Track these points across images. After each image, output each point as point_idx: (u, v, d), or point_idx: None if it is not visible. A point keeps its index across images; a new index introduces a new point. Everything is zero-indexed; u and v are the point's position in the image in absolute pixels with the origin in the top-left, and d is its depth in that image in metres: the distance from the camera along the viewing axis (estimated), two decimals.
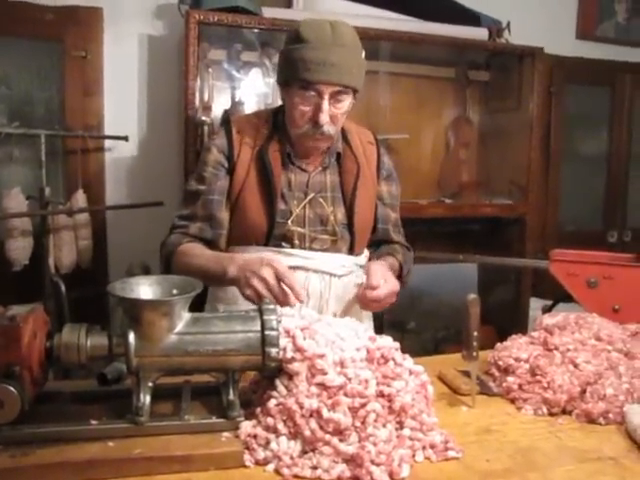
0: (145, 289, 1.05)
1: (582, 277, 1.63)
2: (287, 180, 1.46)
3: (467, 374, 1.24)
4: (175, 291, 1.04)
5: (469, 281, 3.02)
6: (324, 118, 1.35)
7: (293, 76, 1.35)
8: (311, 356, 0.96)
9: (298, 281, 1.24)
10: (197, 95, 2.35)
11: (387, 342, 1.02)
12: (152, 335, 0.97)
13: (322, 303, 1.45)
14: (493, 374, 1.28)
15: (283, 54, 1.40)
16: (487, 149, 2.90)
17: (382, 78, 2.67)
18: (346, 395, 0.92)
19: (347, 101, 1.39)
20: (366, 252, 1.59)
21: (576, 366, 1.19)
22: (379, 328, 2.88)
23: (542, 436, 1.06)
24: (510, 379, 1.22)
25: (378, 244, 1.63)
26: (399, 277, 1.51)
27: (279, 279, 1.19)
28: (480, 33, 2.66)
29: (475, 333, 1.16)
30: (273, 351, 0.98)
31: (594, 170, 3.40)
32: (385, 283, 1.34)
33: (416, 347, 2.62)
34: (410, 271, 1.64)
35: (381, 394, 0.95)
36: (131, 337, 0.96)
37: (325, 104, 1.34)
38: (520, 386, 1.20)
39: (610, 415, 1.11)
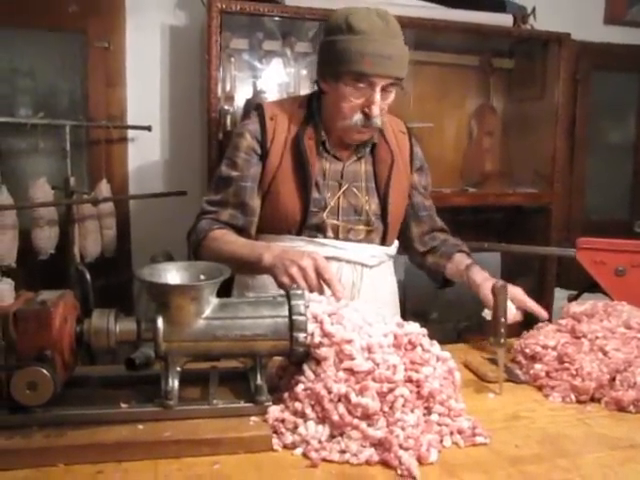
0: (172, 274, 1.05)
1: (610, 265, 1.61)
2: (322, 169, 1.44)
3: (493, 361, 1.23)
4: (202, 276, 1.05)
5: (492, 270, 2.97)
6: (376, 110, 1.34)
7: (346, 68, 1.32)
8: (339, 341, 0.96)
9: (336, 277, 1.22)
10: (219, 85, 2.35)
11: (414, 328, 1.02)
12: (180, 320, 0.98)
13: (354, 293, 1.44)
14: (520, 362, 1.27)
15: (330, 45, 1.35)
16: (511, 138, 2.87)
17: None
18: (374, 380, 0.92)
19: (394, 93, 1.38)
20: (396, 243, 1.58)
21: (605, 354, 1.17)
22: (402, 317, 2.89)
23: (571, 423, 1.05)
24: (537, 366, 1.21)
25: (429, 233, 1.61)
26: None
27: (318, 272, 1.17)
28: (505, 19, 2.62)
29: (503, 320, 1.15)
30: (301, 336, 0.98)
31: (621, 159, 3.35)
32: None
33: (438, 337, 2.58)
34: None
35: (409, 379, 0.94)
36: (159, 322, 0.97)
37: (377, 96, 1.33)
38: (547, 373, 1.19)
39: None
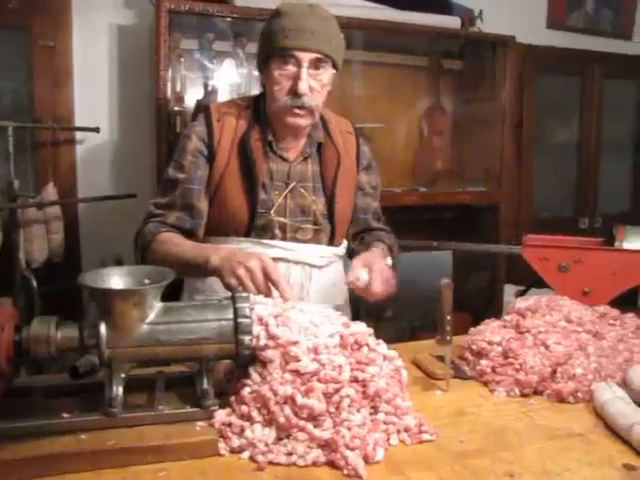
0: (116, 279, 1.04)
1: (554, 261, 1.66)
2: (268, 169, 1.44)
3: (441, 359, 1.25)
4: (147, 281, 1.03)
5: (444, 269, 3.04)
6: (303, 86, 1.34)
7: (272, 47, 1.35)
8: (284, 343, 0.96)
9: (284, 278, 1.21)
10: (169, 85, 2.32)
11: (361, 328, 1.02)
12: (124, 325, 0.96)
13: (303, 294, 1.44)
14: (467, 358, 1.30)
15: (261, 34, 1.41)
16: (461, 137, 2.92)
17: (356, 67, 2.66)
18: (320, 381, 0.93)
19: (326, 73, 1.38)
20: (345, 243, 1.59)
21: (547, 347, 1.21)
22: (355, 317, 2.90)
23: (514, 416, 1.07)
24: (483, 362, 1.24)
25: (361, 234, 1.62)
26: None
27: (265, 273, 1.16)
28: (453, 22, 2.67)
29: (448, 317, 1.17)
30: (246, 339, 0.97)
31: (566, 158, 3.45)
32: (370, 272, 1.29)
33: (392, 335, 2.63)
34: (398, 253, 1.63)
35: (355, 379, 0.95)
36: (102, 328, 0.95)
37: (304, 72, 1.34)
38: (493, 369, 1.22)
39: (579, 394, 1.14)
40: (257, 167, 1.40)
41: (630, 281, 1.62)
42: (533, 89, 3.20)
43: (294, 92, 1.35)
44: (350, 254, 1.60)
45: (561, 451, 0.94)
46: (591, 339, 1.25)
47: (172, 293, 1.76)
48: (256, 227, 1.41)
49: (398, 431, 0.96)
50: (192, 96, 2.49)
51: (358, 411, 0.93)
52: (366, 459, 0.88)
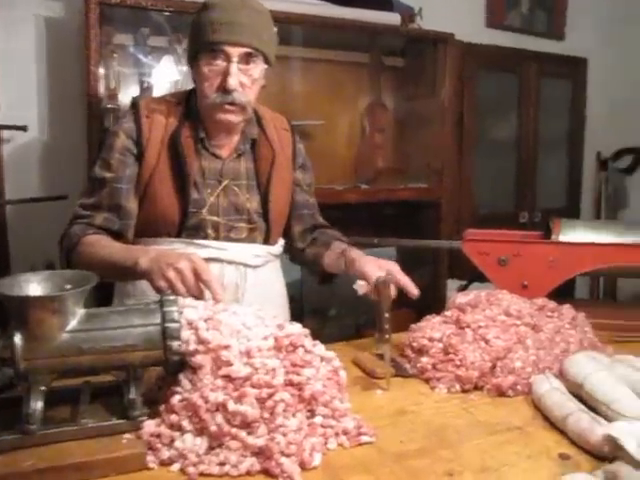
0: (34, 286, 0.96)
1: (493, 255, 1.66)
2: (200, 167, 1.39)
3: (382, 357, 1.23)
4: (69, 286, 0.97)
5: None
6: (232, 81, 1.29)
7: (200, 41, 1.30)
8: (215, 347, 0.91)
9: (216, 278, 1.16)
10: (102, 82, 2.22)
11: (296, 329, 0.99)
12: (42, 335, 0.90)
13: (238, 295, 1.39)
14: (408, 355, 1.28)
15: (190, 27, 1.35)
16: (403, 134, 2.93)
17: (294, 64, 2.62)
18: (253, 386, 0.89)
19: (258, 69, 1.34)
20: (281, 242, 1.55)
21: (487, 342, 1.20)
22: (299, 316, 2.87)
23: (455, 413, 1.06)
24: (424, 359, 1.22)
25: (312, 233, 1.58)
26: None
27: (196, 274, 1.11)
28: (393, 18, 2.66)
29: (387, 315, 1.15)
30: (175, 344, 0.92)
31: (506, 154, 3.51)
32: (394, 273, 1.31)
33: (338, 333, 2.60)
34: None
35: (290, 383, 0.91)
36: (17, 338, 0.88)
37: (233, 67, 1.29)
38: (434, 365, 1.21)
39: (518, 387, 1.14)
40: (188, 165, 1.35)
41: (566, 273, 1.64)
42: (473, 87, 3.24)
43: (224, 88, 1.30)
44: (296, 255, 1.57)
45: (500, 446, 0.93)
46: (530, 332, 1.25)
47: (103, 298, 1.69)
48: (188, 227, 1.36)
49: (336, 434, 0.93)
50: (127, 93, 2.40)
51: (294, 416, 0.89)
52: (302, 465, 0.85)
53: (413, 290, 1.31)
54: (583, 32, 3.61)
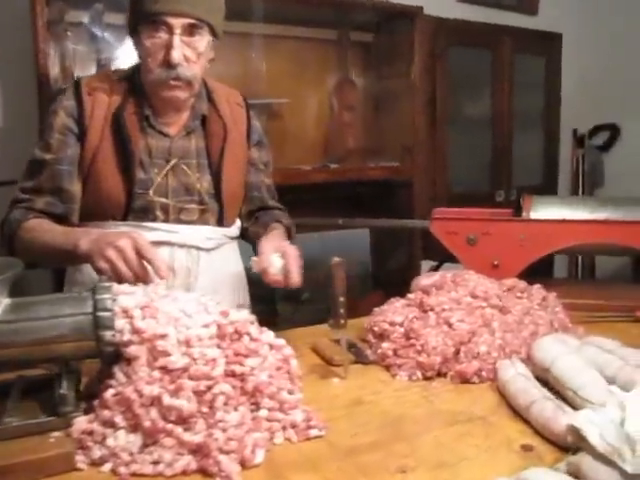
0: None
1: (461, 235, 1.60)
2: (146, 146, 1.30)
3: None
4: None
5: (361, 247, 2.99)
6: (176, 55, 1.20)
7: (141, 12, 1.21)
8: (151, 337, 0.84)
9: (160, 256, 1.09)
10: (57, 61, 2.11)
11: (241, 316, 0.92)
12: None
13: (190, 280, 1.32)
14: (369, 341, 1.22)
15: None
16: (373, 113, 2.85)
17: (259, 41, 2.52)
18: (190, 378, 0.82)
19: (203, 41, 1.25)
20: (238, 223, 1.47)
21: (450, 326, 1.14)
22: (271, 301, 2.81)
23: (415, 402, 1.00)
24: (385, 345, 1.16)
25: (256, 213, 1.51)
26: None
27: (138, 252, 1.04)
28: None
29: (341, 299, 1.08)
30: (107, 334, 0.85)
31: (480, 132, 3.45)
32: (287, 258, 1.17)
33: (311, 317, 2.55)
34: (294, 232, 1.53)
35: (232, 374, 0.84)
36: None
37: (176, 39, 1.21)
38: (395, 351, 1.14)
39: (483, 373, 1.08)
40: (132, 143, 1.26)
41: (538, 251, 1.59)
42: (446, 63, 3.17)
43: (167, 63, 1.22)
44: (244, 234, 1.49)
45: (460, 438, 0.87)
46: (496, 314, 1.19)
47: (56, 286, 1.59)
48: (135, 209, 1.27)
49: (284, 428, 0.86)
50: (85, 73, 2.28)
51: (235, 409, 0.82)
52: (243, 463, 0.78)
53: (294, 279, 1.16)
54: (557, 7, 3.55)
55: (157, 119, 1.31)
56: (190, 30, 1.22)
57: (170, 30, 1.21)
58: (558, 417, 0.83)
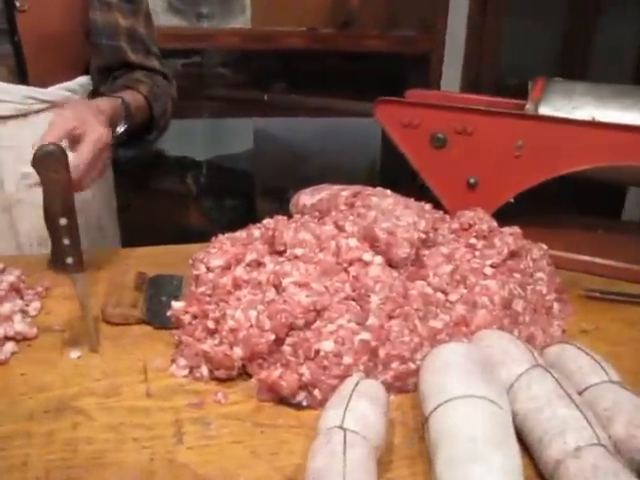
0: None
1: (423, 130, 1.01)
2: None
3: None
4: None
5: (372, 139, 2.43)
6: None
7: None
8: None
9: None
10: None
11: None
12: None
13: None
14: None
15: None
16: None
17: None
18: None
19: None
20: (80, 80, 0.97)
21: (281, 292, 0.62)
22: (250, 197, 2.33)
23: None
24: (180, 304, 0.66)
25: (115, 73, 1.04)
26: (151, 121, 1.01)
27: None
28: None
29: (63, 222, 0.57)
30: None
31: (551, 9, 2.67)
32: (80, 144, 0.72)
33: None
34: (167, 111, 1.07)
35: None
36: None
37: None
38: (194, 316, 0.65)
39: (315, 392, 0.57)
40: None
41: (543, 170, 0.99)
42: None
43: None
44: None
45: None
46: (389, 279, 0.66)
47: None
48: None
49: None
50: None
51: None
52: None
53: (75, 178, 0.67)
54: None
55: None
56: None
57: None
58: None
